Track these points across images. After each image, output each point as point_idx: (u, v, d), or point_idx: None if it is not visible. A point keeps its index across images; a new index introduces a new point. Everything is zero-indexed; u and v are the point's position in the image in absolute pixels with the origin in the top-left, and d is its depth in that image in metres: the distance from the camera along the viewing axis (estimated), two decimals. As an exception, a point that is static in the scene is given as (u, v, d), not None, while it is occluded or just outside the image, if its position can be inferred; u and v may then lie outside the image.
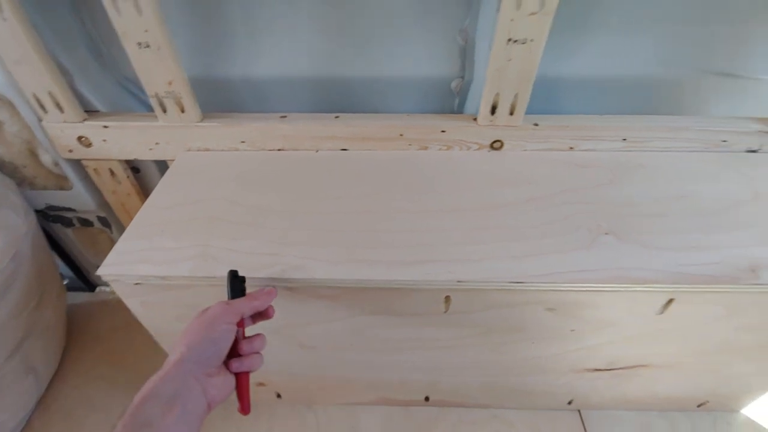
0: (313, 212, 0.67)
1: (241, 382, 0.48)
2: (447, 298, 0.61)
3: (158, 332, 0.71)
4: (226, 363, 0.47)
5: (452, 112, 0.87)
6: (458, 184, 0.72)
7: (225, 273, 0.54)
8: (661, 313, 0.62)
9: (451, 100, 0.87)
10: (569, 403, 0.88)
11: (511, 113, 0.73)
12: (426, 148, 0.79)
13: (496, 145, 0.78)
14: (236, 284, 0.53)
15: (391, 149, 0.79)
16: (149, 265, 0.59)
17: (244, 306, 0.50)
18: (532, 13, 0.61)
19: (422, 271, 0.58)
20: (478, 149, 0.79)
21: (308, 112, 0.80)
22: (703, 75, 0.84)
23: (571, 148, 0.78)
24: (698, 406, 0.88)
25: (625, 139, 0.77)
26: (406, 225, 0.65)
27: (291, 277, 0.58)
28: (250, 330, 0.52)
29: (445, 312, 0.63)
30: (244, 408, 0.49)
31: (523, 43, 0.64)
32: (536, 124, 0.75)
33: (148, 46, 0.66)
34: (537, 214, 0.66)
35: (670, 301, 0.60)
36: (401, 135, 0.77)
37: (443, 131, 0.76)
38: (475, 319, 0.64)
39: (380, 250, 0.61)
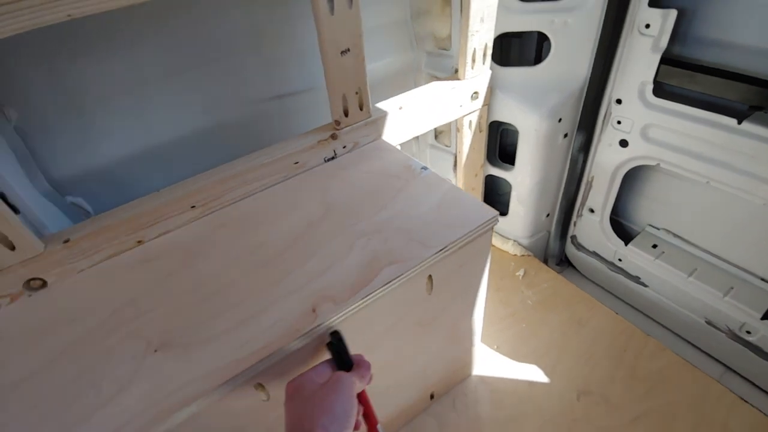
0: None
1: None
2: None
3: None
4: None
5: None
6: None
7: None
8: (267, 399, 0.52)
9: None
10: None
11: (12, 248, 0.55)
12: (-76, 339, 0.55)
13: (35, 284, 0.59)
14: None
15: None
16: None
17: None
18: None
19: None
20: (12, 301, 0.58)
21: None
22: (264, 104, 0.81)
23: (140, 241, 0.65)
24: (431, 398, 0.87)
25: (194, 206, 0.67)
26: None
27: None
28: None
29: None
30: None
31: None
32: (67, 241, 0.59)
33: None
34: (65, 370, 0.49)
35: (261, 385, 0.51)
36: None
37: (-71, 309, 0.53)
38: None
39: None
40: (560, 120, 0.96)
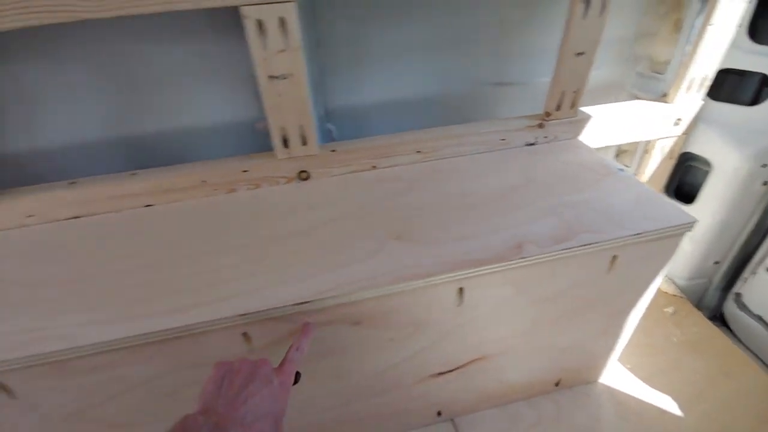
0: (97, 276, 0.63)
1: None
2: (245, 335, 0.58)
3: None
4: None
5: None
6: (262, 219, 0.72)
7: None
8: (460, 304, 0.65)
9: (265, 140, 0.90)
10: (439, 414, 0.87)
11: (305, 143, 0.76)
12: (233, 191, 0.79)
13: (303, 175, 0.80)
14: None
15: (197, 197, 0.78)
16: None
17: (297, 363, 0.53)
18: (281, 51, 0.65)
19: (206, 312, 0.55)
20: (287, 182, 0.80)
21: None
22: (483, 87, 0.95)
23: (374, 166, 0.83)
24: (555, 385, 0.92)
25: (419, 151, 0.83)
26: (199, 269, 0.63)
27: (53, 349, 0.52)
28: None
29: (251, 350, 0.60)
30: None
31: (285, 79, 0.68)
32: (333, 150, 0.79)
33: None
34: (332, 233, 0.68)
35: (461, 290, 0.63)
36: (204, 181, 0.76)
37: (245, 171, 0.77)
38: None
39: (166, 300, 0.58)
40: (764, 165, 0.93)
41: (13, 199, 0.72)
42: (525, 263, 0.62)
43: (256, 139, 0.87)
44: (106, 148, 0.81)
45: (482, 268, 0.61)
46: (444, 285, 0.62)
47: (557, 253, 0.62)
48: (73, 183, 0.75)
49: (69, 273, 0.64)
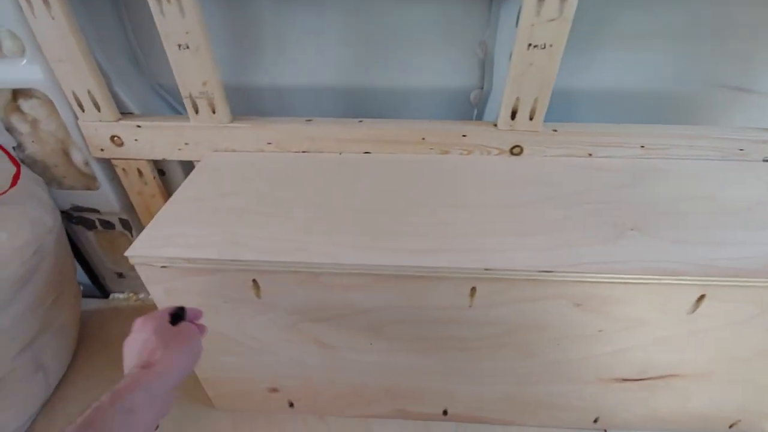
0: (338, 206, 0.68)
1: None
2: (473, 290, 0.60)
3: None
4: None
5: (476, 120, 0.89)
6: (478, 184, 0.73)
7: (252, 258, 0.58)
8: (693, 312, 0.61)
9: (470, 111, 0.90)
10: (595, 421, 0.84)
11: (531, 118, 0.75)
12: (447, 152, 0.81)
13: (515, 150, 0.80)
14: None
15: (413, 153, 0.81)
16: (177, 248, 0.60)
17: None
18: (552, 20, 0.64)
19: (448, 258, 0.58)
20: (498, 154, 0.80)
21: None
22: (716, 90, 0.87)
23: (590, 154, 0.80)
24: (730, 426, 0.83)
25: (643, 146, 0.78)
26: (428, 218, 0.65)
27: (317, 261, 0.58)
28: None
29: (470, 306, 0.62)
30: None
31: (543, 48, 0.67)
32: (555, 130, 0.77)
33: (187, 47, 0.70)
34: (558, 212, 0.66)
35: (702, 297, 0.59)
36: (423, 139, 0.79)
37: (464, 135, 0.78)
38: (500, 315, 0.63)
39: (404, 240, 0.61)
40: None
41: (259, 127, 0.81)
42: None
43: (464, 109, 0.88)
44: (331, 94, 0.87)
45: (737, 279, 0.56)
46: (685, 287, 0.58)
47: (834, 282, 0.55)
48: (309, 120, 0.81)
49: (309, 198, 0.70)
